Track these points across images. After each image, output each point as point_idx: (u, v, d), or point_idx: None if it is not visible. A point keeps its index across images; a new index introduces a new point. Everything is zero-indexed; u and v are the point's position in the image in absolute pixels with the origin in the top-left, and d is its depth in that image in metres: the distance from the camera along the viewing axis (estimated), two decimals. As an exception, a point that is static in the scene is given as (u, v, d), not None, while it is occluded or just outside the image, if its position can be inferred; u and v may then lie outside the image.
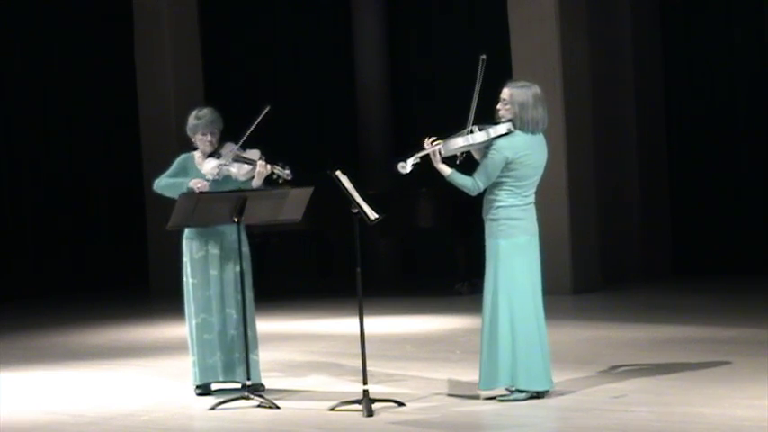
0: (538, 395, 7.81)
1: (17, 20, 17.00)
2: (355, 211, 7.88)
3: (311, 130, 17.90)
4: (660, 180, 15.04)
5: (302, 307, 13.87)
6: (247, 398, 8.20)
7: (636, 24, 14.78)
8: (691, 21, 15.07)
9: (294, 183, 8.55)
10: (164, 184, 8.68)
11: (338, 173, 7.89)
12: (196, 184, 8.47)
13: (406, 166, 7.80)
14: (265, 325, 12.16)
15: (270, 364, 9.81)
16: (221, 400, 8.28)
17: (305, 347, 10.90)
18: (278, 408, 8.05)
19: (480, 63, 7.81)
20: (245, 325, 8.36)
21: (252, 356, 8.50)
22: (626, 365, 8.87)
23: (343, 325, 11.88)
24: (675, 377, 8.38)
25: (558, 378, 8.07)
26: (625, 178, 14.75)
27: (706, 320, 11.08)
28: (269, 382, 8.87)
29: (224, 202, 8.32)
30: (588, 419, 7.28)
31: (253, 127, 8.44)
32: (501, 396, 7.84)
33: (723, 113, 14.83)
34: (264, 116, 8.42)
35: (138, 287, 15.94)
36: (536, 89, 7.88)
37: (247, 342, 8.36)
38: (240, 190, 8.46)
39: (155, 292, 15.33)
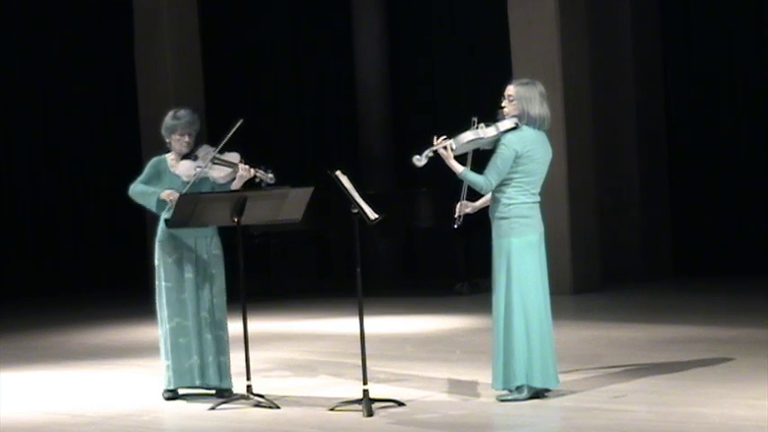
0: (538, 395, 7.81)
1: (17, 20, 17.01)
2: (355, 211, 7.87)
3: (311, 131, 17.91)
4: (660, 180, 15.04)
5: (302, 307, 13.88)
6: (247, 398, 8.20)
7: (636, 24, 14.78)
8: (691, 20, 15.07)
9: (294, 183, 8.52)
10: (138, 190, 8.58)
11: (338, 173, 7.89)
12: (168, 197, 8.43)
13: (422, 159, 7.81)
14: (265, 325, 12.19)
15: (270, 364, 9.82)
16: (222, 400, 8.28)
17: (305, 347, 10.90)
18: (278, 408, 8.05)
19: (472, 123, 7.82)
20: (245, 327, 8.33)
21: (222, 359, 8.49)
22: (626, 365, 8.88)
23: (343, 325, 11.88)
24: (675, 377, 8.38)
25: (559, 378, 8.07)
26: (625, 178, 14.75)
27: (706, 320, 11.08)
28: (269, 382, 8.87)
29: (224, 202, 8.31)
30: (588, 419, 7.28)
31: (227, 138, 8.41)
32: (501, 396, 7.84)
33: (723, 113, 14.83)
34: (239, 128, 8.40)
35: (138, 287, 15.93)
36: (540, 87, 7.90)
37: (247, 342, 8.34)
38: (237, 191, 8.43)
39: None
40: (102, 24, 17.52)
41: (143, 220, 16.07)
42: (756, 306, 11.79)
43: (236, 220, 8.31)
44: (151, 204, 8.51)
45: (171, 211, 8.39)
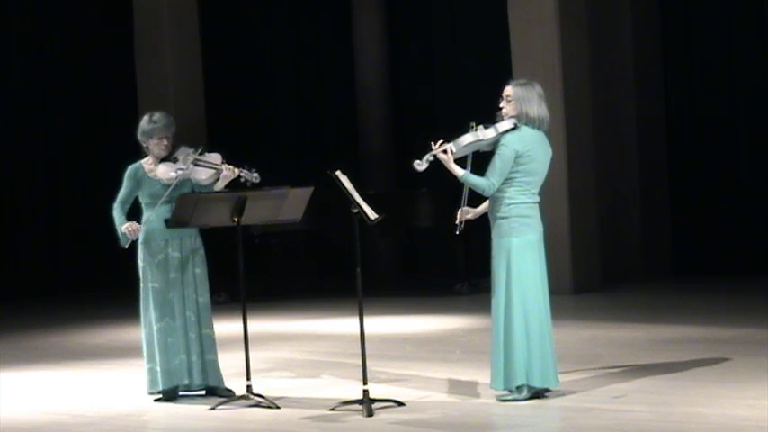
0: (538, 395, 7.81)
1: (17, 20, 17.00)
2: (355, 211, 7.87)
3: (311, 131, 17.90)
4: (660, 180, 15.04)
5: (302, 307, 13.87)
6: (247, 398, 8.20)
7: (636, 24, 14.78)
8: (691, 20, 15.07)
9: (294, 183, 8.53)
10: (113, 216, 8.57)
11: (338, 173, 7.89)
12: (127, 228, 8.42)
13: (422, 164, 7.80)
14: (265, 325, 12.19)
15: (270, 364, 9.82)
16: (222, 400, 8.29)
17: (305, 347, 10.90)
18: (278, 408, 8.06)
19: (470, 128, 7.82)
20: (245, 327, 8.33)
21: (209, 357, 8.49)
22: (626, 365, 8.88)
23: (343, 325, 11.88)
24: (675, 377, 8.39)
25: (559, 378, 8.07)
26: (625, 178, 14.75)
27: (706, 320, 11.08)
28: (269, 382, 8.87)
29: (224, 203, 8.31)
30: (588, 419, 7.28)
31: (197, 154, 8.43)
32: (501, 396, 7.84)
33: (723, 113, 14.83)
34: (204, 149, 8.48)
35: (138, 287, 15.90)
36: (538, 87, 7.91)
37: (247, 342, 8.34)
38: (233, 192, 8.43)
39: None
40: (102, 24, 17.51)
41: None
42: (756, 306, 11.80)
43: (236, 220, 8.32)
44: (118, 234, 8.52)
45: (130, 242, 8.45)
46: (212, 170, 8.45)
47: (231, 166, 8.44)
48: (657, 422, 7.12)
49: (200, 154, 8.47)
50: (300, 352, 10.62)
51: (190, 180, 8.50)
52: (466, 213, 8.04)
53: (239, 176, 8.44)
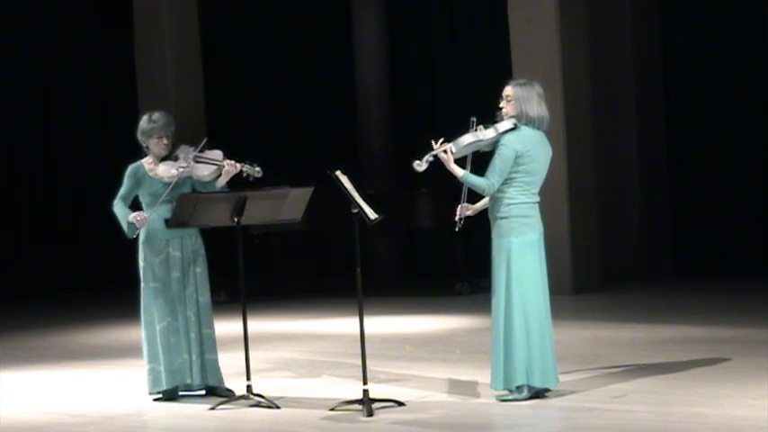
0: (538, 395, 7.82)
1: (17, 20, 17.00)
2: (355, 211, 7.88)
3: (311, 131, 17.90)
4: (660, 180, 15.04)
5: (302, 307, 13.87)
6: (247, 398, 8.20)
7: (636, 24, 14.78)
8: (691, 20, 15.07)
9: (294, 183, 8.53)
10: (115, 212, 8.56)
11: (338, 173, 7.89)
12: (136, 218, 8.40)
13: (422, 164, 7.81)
14: (265, 325, 12.19)
15: (270, 364, 9.82)
16: (222, 400, 8.29)
17: (305, 347, 10.90)
18: (278, 408, 8.06)
19: (471, 124, 7.83)
20: (245, 327, 8.34)
21: (208, 357, 8.49)
22: (626, 365, 8.88)
23: (343, 325, 11.88)
24: (675, 377, 8.39)
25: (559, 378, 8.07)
26: (625, 178, 14.74)
27: (706, 320, 11.08)
28: (269, 382, 8.87)
29: (224, 202, 8.31)
30: (588, 419, 7.29)
31: (198, 149, 8.43)
32: (501, 396, 7.84)
33: (723, 113, 14.83)
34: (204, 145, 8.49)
35: (138, 287, 15.89)
36: (538, 87, 7.92)
37: (247, 342, 8.34)
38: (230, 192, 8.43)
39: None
40: (102, 24, 17.52)
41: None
42: (756, 306, 11.80)
43: (236, 220, 8.31)
44: (124, 227, 8.51)
45: (139, 231, 8.42)
46: (214, 166, 8.45)
47: (233, 161, 8.44)
48: (657, 422, 7.12)
49: (201, 150, 8.48)
50: (300, 352, 10.62)
51: (191, 178, 8.50)
52: (465, 210, 8.05)
53: (241, 171, 8.44)
